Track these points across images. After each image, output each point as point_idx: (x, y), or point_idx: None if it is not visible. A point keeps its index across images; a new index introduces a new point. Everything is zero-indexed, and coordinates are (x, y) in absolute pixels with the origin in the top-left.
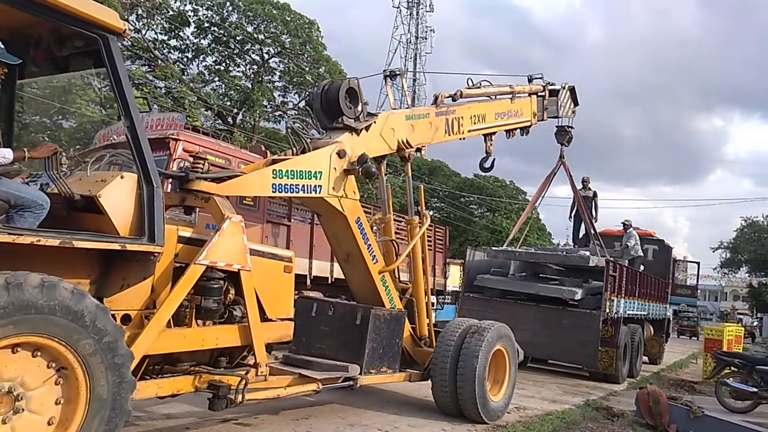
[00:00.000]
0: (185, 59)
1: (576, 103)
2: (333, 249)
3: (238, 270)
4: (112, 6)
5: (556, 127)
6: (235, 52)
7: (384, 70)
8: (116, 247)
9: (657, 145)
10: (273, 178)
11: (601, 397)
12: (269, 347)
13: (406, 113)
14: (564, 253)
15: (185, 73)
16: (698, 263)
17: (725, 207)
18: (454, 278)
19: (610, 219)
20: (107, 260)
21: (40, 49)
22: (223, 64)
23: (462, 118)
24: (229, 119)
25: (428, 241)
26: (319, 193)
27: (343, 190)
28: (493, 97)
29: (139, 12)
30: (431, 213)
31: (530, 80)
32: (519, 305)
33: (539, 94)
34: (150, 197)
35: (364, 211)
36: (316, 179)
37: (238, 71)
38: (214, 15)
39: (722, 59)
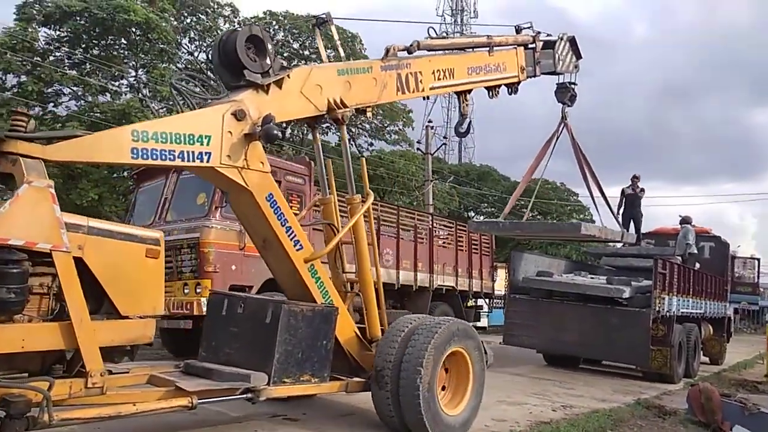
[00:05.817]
0: None
1: (578, 56)
2: (248, 234)
3: (50, 251)
4: (165, 31)
5: (556, 84)
6: None
7: (312, 16)
8: None
9: (714, 141)
10: (133, 140)
11: (654, 396)
12: (124, 352)
13: (338, 67)
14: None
15: None
16: (758, 260)
17: None
18: (503, 282)
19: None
20: None
21: None
22: None
23: (421, 72)
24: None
25: (474, 244)
26: (208, 161)
27: (245, 159)
28: (472, 49)
29: (191, 35)
30: (481, 217)
31: (518, 31)
32: (567, 305)
33: (529, 46)
34: None
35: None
36: (202, 144)
37: None
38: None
39: None
